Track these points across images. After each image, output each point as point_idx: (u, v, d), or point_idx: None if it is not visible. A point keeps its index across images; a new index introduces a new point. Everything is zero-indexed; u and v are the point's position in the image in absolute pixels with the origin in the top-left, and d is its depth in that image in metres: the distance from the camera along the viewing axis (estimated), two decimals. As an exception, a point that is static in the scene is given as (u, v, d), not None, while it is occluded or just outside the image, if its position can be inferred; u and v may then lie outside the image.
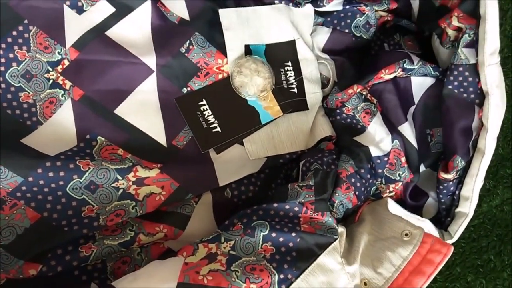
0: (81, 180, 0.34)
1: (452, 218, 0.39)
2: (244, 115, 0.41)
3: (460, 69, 0.36)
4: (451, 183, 0.38)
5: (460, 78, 0.37)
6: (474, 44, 0.35)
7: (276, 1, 0.42)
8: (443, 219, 0.40)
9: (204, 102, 0.41)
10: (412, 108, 0.42)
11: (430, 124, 0.42)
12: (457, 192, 0.38)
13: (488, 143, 0.35)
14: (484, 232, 0.55)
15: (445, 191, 0.39)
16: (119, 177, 0.35)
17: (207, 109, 0.41)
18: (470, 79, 0.36)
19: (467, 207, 0.37)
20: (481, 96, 0.36)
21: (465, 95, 0.37)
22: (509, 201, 0.55)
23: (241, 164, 0.40)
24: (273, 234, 0.34)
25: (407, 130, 0.41)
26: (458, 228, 0.38)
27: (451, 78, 0.37)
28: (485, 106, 0.35)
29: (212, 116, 0.41)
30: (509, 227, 0.55)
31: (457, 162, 0.37)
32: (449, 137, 0.38)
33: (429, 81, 0.42)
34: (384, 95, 0.42)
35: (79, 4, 0.37)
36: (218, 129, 0.40)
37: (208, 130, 0.40)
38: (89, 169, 0.34)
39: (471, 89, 0.36)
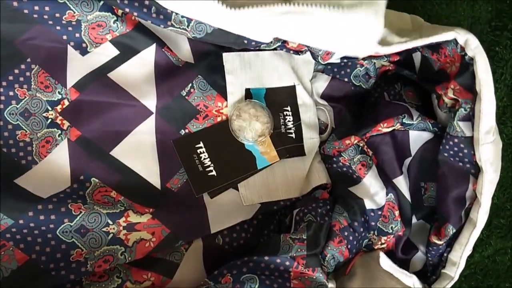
0: (71, 224, 0.34)
1: (437, 277, 0.39)
2: (240, 159, 0.41)
3: (456, 140, 0.37)
4: (440, 246, 0.38)
5: (456, 149, 0.37)
6: (470, 118, 0.35)
7: (278, 49, 0.42)
8: (428, 274, 0.41)
9: (201, 144, 0.41)
10: (408, 160, 0.42)
11: (425, 178, 0.42)
12: (445, 254, 0.39)
13: (480, 217, 0.36)
14: (475, 283, 0.54)
15: (433, 252, 0.39)
16: (110, 222, 0.35)
17: (203, 152, 0.41)
18: (465, 151, 0.36)
19: (453, 271, 0.38)
20: (476, 167, 0.36)
21: (460, 164, 0.37)
22: (501, 252, 0.55)
23: (234, 210, 0.40)
24: (262, 290, 0.33)
25: (402, 183, 0.42)
26: None
27: (447, 147, 0.38)
28: (479, 181, 0.36)
29: (208, 159, 0.41)
30: (500, 278, 0.55)
31: (449, 230, 0.37)
32: (442, 203, 0.38)
33: (427, 135, 0.42)
34: (381, 147, 0.42)
35: (83, 45, 0.38)
36: (214, 172, 0.40)
37: (204, 173, 0.40)
38: (80, 212, 0.34)
39: (466, 160, 0.37)
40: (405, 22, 0.40)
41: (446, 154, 0.38)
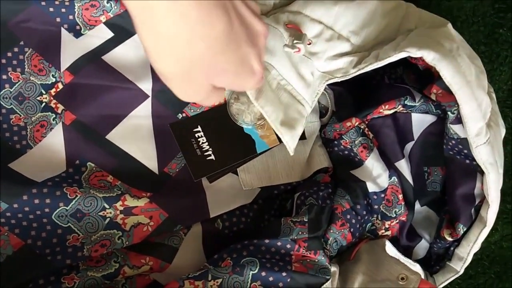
0: (67, 208, 0.33)
1: (441, 267, 0.39)
2: (239, 143, 0.41)
3: (453, 142, 0.36)
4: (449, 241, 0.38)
5: (456, 149, 0.37)
6: (460, 121, 0.34)
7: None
8: (432, 263, 0.40)
9: (199, 128, 0.40)
10: (409, 145, 0.42)
11: (429, 162, 0.41)
12: (451, 248, 0.38)
13: (490, 217, 0.35)
14: (482, 269, 0.53)
15: (440, 245, 0.39)
16: (107, 206, 0.34)
17: (201, 136, 0.40)
18: (466, 151, 0.35)
19: (459, 266, 0.38)
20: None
21: (467, 161, 0.37)
22: (508, 238, 0.54)
23: (233, 194, 0.39)
24: (263, 273, 0.33)
25: (404, 166, 0.41)
26: (444, 281, 0.38)
27: (449, 146, 0.37)
28: (484, 182, 0.35)
29: (206, 143, 0.40)
30: (507, 264, 0.54)
31: (459, 229, 0.37)
32: (451, 201, 0.38)
33: (430, 118, 0.41)
34: (383, 130, 0.41)
35: (77, 27, 0.37)
36: (212, 157, 0.40)
37: (202, 157, 0.39)
38: (76, 196, 0.34)
39: (470, 157, 0.36)
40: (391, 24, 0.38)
41: (451, 153, 0.37)
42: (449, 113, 0.35)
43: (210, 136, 0.40)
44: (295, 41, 0.35)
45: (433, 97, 0.36)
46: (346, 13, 0.37)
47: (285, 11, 0.37)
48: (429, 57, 0.32)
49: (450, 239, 0.38)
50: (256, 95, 0.34)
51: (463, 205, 0.37)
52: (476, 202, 0.37)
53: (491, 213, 0.35)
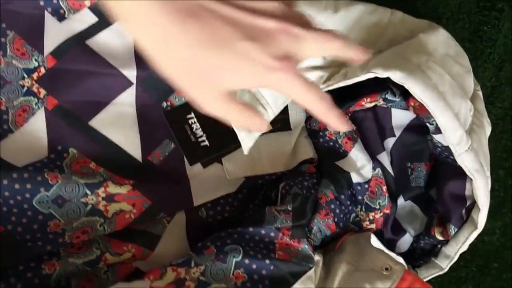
0: (48, 194, 0.33)
1: (425, 262, 0.39)
2: (232, 129, 0.40)
3: (439, 149, 0.37)
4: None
5: (444, 154, 0.37)
6: (440, 130, 0.34)
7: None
8: (416, 257, 0.40)
9: (192, 115, 0.40)
10: (390, 140, 0.42)
11: (412, 158, 0.41)
12: (439, 246, 0.39)
13: (481, 220, 0.35)
14: (464, 262, 0.54)
15: (428, 241, 0.39)
16: (88, 192, 0.34)
17: (195, 122, 0.40)
18: (452, 156, 0.35)
19: (445, 264, 0.38)
20: None
21: (456, 164, 0.36)
22: (490, 232, 0.55)
23: (218, 183, 0.39)
24: (246, 261, 0.33)
25: (385, 159, 0.41)
26: (428, 276, 0.38)
27: (437, 152, 0.37)
28: (474, 189, 0.34)
29: (200, 129, 0.40)
30: (489, 258, 0.54)
31: (451, 230, 0.37)
32: (443, 201, 0.38)
33: (410, 115, 0.41)
34: (364, 123, 0.42)
35: (61, 11, 0.36)
36: (206, 142, 0.39)
37: (197, 144, 0.39)
38: (57, 182, 0.33)
39: None
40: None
41: (441, 156, 0.37)
42: (428, 124, 0.35)
43: (203, 122, 0.40)
44: None
45: (411, 110, 0.37)
46: (326, 25, 0.37)
47: None
48: (396, 76, 0.32)
49: (440, 238, 0.38)
50: None
51: (454, 206, 0.37)
52: (467, 204, 0.37)
53: (482, 216, 0.35)
